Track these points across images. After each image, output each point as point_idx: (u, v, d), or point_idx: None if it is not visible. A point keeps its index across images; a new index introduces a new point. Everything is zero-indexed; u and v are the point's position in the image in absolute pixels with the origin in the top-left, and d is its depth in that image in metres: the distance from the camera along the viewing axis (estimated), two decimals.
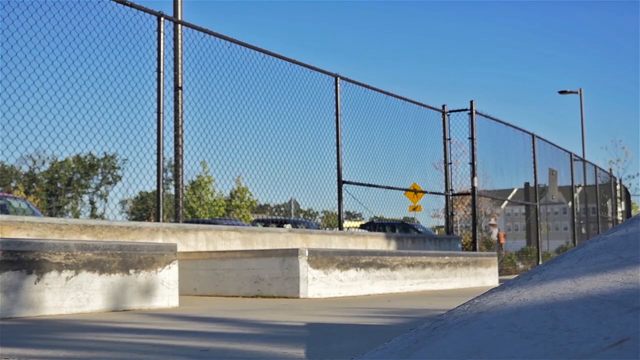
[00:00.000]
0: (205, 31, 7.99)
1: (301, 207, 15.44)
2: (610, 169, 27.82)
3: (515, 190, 24.06)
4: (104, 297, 4.50)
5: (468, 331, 1.37)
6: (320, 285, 6.19)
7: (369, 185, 10.70)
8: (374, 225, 16.54)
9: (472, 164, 12.27)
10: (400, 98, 11.55)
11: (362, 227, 16.91)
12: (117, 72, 7.19)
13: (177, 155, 7.51)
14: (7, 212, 11.59)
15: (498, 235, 20.87)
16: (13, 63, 6.11)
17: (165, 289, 4.91)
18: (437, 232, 23.84)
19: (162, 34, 7.30)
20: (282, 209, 17.19)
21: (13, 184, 40.76)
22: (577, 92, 27.62)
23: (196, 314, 4.44)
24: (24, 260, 4.07)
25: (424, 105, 12.07)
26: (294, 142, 9.54)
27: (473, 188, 12.36)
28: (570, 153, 18.83)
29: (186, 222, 9.04)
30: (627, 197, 29.30)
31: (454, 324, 1.44)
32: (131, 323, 3.79)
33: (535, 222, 16.39)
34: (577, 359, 1.07)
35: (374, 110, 11.12)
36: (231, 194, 29.48)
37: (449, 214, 12.53)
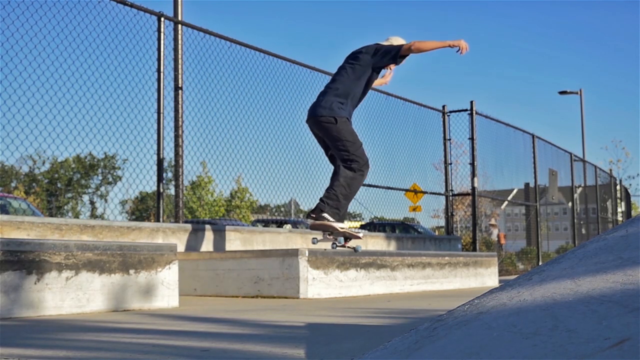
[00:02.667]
0: (205, 31, 7.99)
1: (301, 207, 15.43)
2: (611, 170, 27.82)
3: (515, 191, 24.08)
4: (104, 297, 4.50)
5: (468, 331, 1.37)
6: (320, 286, 6.19)
7: (369, 185, 10.70)
8: (374, 226, 16.56)
9: (472, 164, 12.27)
10: (400, 98, 11.55)
11: (362, 227, 16.93)
12: (117, 72, 7.20)
13: (177, 155, 7.51)
14: (7, 212, 11.59)
15: (498, 236, 20.88)
16: (13, 63, 6.12)
17: (165, 289, 4.91)
18: (437, 233, 23.85)
19: (162, 34, 7.30)
20: (282, 209, 17.19)
21: (13, 184, 40.78)
22: (577, 93, 27.64)
23: (196, 314, 4.44)
24: (24, 260, 4.07)
25: (424, 106, 12.07)
26: (294, 142, 9.55)
27: (473, 188, 12.36)
28: (570, 153, 18.83)
29: (186, 222, 9.05)
30: (627, 197, 29.30)
31: (454, 325, 1.44)
32: (131, 323, 3.79)
33: (535, 223, 16.39)
34: (577, 359, 1.07)
35: (374, 110, 11.12)
36: (231, 194, 29.49)
37: (449, 214, 12.53)
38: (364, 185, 10.55)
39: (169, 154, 7.42)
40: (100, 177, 51.18)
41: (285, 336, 3.28)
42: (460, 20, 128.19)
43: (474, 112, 12.38)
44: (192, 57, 7.99)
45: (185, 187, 8.07)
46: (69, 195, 48.87)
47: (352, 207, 11.01)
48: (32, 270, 4.10)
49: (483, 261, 9.53)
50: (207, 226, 7.68)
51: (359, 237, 5.90)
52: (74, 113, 6.68)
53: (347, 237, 5.91)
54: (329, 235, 5.83)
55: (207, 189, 30.14)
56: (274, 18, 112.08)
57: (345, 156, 5.61)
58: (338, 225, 5.64)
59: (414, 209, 15.74)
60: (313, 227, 5.73)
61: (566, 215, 30.13)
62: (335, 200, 5.58)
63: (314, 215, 5.63)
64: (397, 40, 6.03)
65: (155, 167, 7.16)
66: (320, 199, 5.67)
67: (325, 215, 5.56)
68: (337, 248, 5.99)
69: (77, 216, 46.03)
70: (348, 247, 6.01)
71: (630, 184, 37.41)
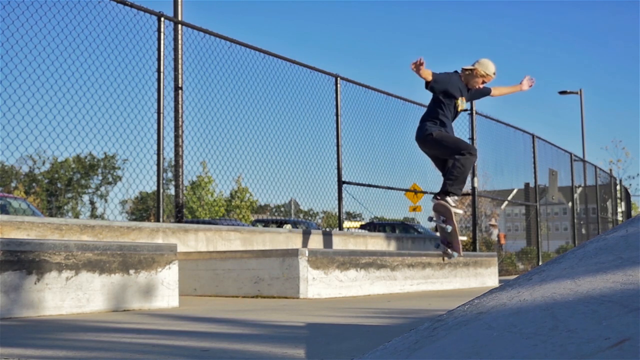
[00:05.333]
0: (205, 31, 7.99)
1: (301, 208, 15.44)
2: (611, 170, 27.83)
3: (515, 191, 24.07)
4: (104, 297, 4.50)
5: (468, 331, 1.37)
6: (320, 286, 6.19)
7: (369, 185, 10.70)
8: (374, 226, 16.55)
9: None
10: (400, 98, 11.55)
11: (362, 227, 16.92)
12: (117, 72, 7.20)
13: (177, 155, 7.51)
14: (7, 212, 11.59)
15: (498, 236, 20.88)
16: (13, 63, 6.12)
17: (165, 289, 4.91)
18: (437, 233, 23.81)
19: (162, 34, 7.30)
20: (282, 209, 17.19)
21: (13, 184, 40.78)
22: (577, 93, 27.64)
23: (196, 314, 4.44)
24: (24, 260, 4.07)
25: (425, 106, 12.05)
26: (294, 142, 9.54)
27: (473, 188, 12.37)
28: (571, 153, 18.82)
29: (186, 222, 9.05)
30: (627, 197, 29.29)
31: (454, 325, 1.44)
32: (131, 323, 3.79)
33: (535, 223, 16.39)
34: (577, 359, 1.07)
35: (374, 110, 11.12)
36: (231, 194, 29.47)
37: None
38: (364, 185, 10.57)
39: (169, 154, 7.42)
40: (100, 177, 51.18)
41: (285, 336, 3.28)
42: (460, 20, 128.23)
43: (474, 112, 12.38)
44: (192, 57, 7.99)
45: (185, 187, 8.07)
46: (69, 195, 48.87)
47: (353, 207, 11.03)
48: (32, 270, 4.10)
49: (483, 261, 9.53)
50: (207, 226, 7.68)
51: (459, 254, 6.93)
52: (74, 113, 6.68)
53: (450, 244, 7.06)
54: (443, 223, 6.91)
55: (207, 189, 30.11)
56: (274, 18, 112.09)
57: (453, 152, 6.82)
58: (453, 211, 6.82)
59: (414, 209, 15.75)
60: (434, 208, 6.97)
61: (566, 215, 30.13)
62: (454, 178, 6.80)
63: (438, 197, 6.83)
64: (481, 64, 7.18)
65: (155, 167, 7.16)
66: (443, 183, 6.91)
67: (448, 199, 6.78)
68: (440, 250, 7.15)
69: (77, 216, 46.03)
70: (449, 251, 7.08)
71: (630, 184, 37.41)
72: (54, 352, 2.61)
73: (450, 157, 6.91)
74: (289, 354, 2.50)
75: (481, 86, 7.29)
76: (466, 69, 7.13)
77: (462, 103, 7.26)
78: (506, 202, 19.03)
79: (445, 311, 1.67)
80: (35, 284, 4.10)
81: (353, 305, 5.34)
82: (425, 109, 12.42)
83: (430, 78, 6.88)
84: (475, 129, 12.36)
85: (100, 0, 6.92)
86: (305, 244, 8.60)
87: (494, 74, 7.38)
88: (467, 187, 13.04)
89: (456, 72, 7.20)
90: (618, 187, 26.90)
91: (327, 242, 9.11)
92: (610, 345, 1.07)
